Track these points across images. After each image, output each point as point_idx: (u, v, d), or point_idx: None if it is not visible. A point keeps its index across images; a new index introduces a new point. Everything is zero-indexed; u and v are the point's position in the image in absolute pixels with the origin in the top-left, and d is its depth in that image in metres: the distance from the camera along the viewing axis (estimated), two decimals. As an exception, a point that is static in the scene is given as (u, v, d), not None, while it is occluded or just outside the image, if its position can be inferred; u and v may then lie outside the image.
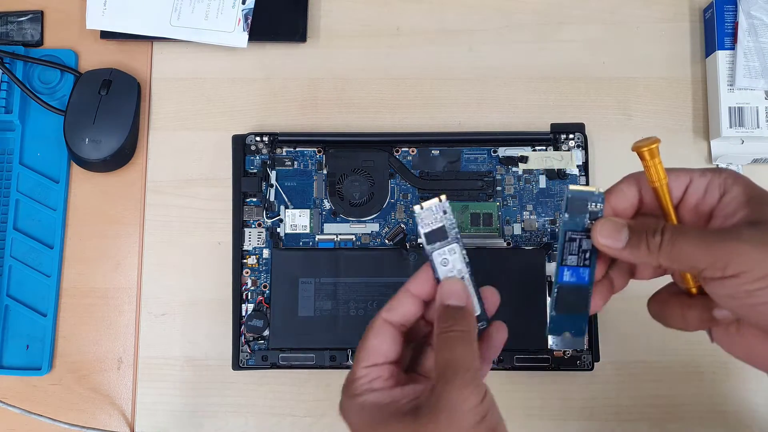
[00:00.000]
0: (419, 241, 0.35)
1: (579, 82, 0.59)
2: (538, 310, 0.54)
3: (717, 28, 0.57)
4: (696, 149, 0.58)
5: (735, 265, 0.29)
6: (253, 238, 0.56)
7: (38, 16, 0.60)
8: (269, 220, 0.56)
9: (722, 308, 0.33)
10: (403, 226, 0.56)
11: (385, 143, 0.57)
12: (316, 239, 0.56)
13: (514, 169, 0.56)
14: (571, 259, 0.35)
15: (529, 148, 0.56)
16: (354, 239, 0.56)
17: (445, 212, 0.36)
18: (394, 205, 0.56)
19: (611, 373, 0.55)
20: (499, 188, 0.56)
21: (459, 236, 0.36)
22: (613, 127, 0.58)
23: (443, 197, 0.35)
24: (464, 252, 0.36)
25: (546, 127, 0.57)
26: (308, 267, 0.55)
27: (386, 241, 0.56)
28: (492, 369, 0.53)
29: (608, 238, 0.33)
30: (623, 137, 0.58)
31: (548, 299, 0.36)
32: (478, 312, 0.36)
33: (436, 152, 0.57)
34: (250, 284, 0.56)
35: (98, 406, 0.55)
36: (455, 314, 0.33)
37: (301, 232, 0.56)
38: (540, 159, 0.56)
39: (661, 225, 0.32)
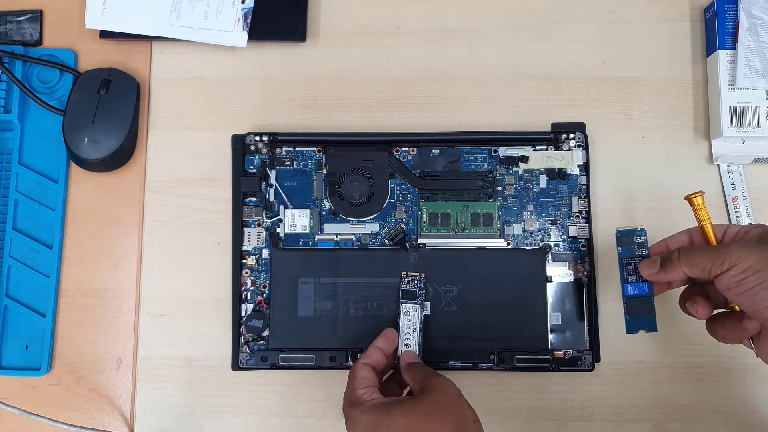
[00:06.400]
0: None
1: (579, 82, 0.59)
2: (538, 310, 0.54)
3: (718, 28, 0.57)
4: (697, 149, 0.58)
5: (728, 261, 0.40)
6: (253, 238, 0.56)
7: (37, 16, 0.60)
8: (269, 220, 0.56)
9: (749, 318, 0.43)
10: (403, 226, 0.56)
11: (385, 143, 0.56)
12: (316, 239, 0.56)
13: (514, 168, 0.56)
14: (631, 278, 0.47)
15: (529, 147, 0.56)
16: (354, 239, 0.56)
17: (422, 285, 0.54)
18: (394, 205, 0.56)
19: (612, 374, 0.55)
20: (499, 188, 0.56)
21: (423, 302, 0.53)
22: (614, 126, 0.58)
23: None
24: (423, 313, 0.53)
25: (546, 127, 0.57)
26: (308, 267, 0.55)
27: (386, 241, 0.56)
28: (493, 369, 0.54)
29: (647, 270, 0.46)
30: (624, 137, 0.58)
31: (622, 306, 0.48)
32: (418, 353, 0.52)
33: (436, 152, 0.57)
34: (249, 284, 0.55)
35: (97, 407, 0.55)
36: (415, 364, 0.49)
37: (301, 232, 0.56)
38: (541, 159, 0.56)
39: (678, 249, 0.44)
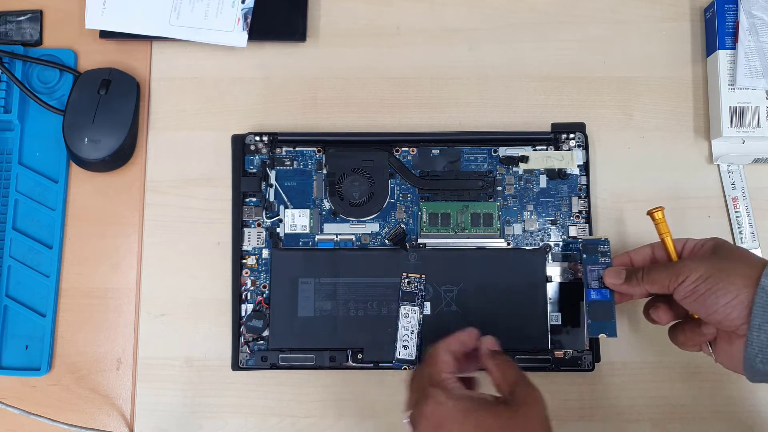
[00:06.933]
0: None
1: (580, 82, 0.59)
2: (538, 310, 0.54)
3: (718, 28, 0.57)
4: (697, 149, 0.58)
5: (682, 274, 0.45)
6: (253, 238, 0.56)
7: (37, 16, 0.60)
8: (269, 220, 0.56)
9: (706, 324, 0.46)
10: (403, 226, 0.56)
11: (385, 143, 0.56)
12: (316, 239, 0.56)
13: (514, 168, 0.56)
14: (594, 284, 0.50)
15: (529, 147, 0.56)
16: (354, 239, 0.56)
17: (422, 287, 0.54)
18: (394, 205, 0.56)
19: (612, 374, 0.55)
20: (499, 188, 0.56)
21: (422, 304, 0.54)
22: (614, 126, 0.58)
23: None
24: (422, 315, 0.54)
25: (546, 127, 0.57)
26: (308, 267, 0.55)
27: (386, 241, 0.56)
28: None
29: (612, 279, 0.49)
30: (624, 137, 0.58)
31: (583, 310, 0.52)
32: (415, 355, 0.54)
33: (436, 152, 0.57)
34: (249, 284, 0.55)
35: (97, 407, 0.55)
36: (501, 355, 0.47)
37: (301, 232, 0.56)
38: (541, 159, 0.56)
39: (641, 268, 0.48)
